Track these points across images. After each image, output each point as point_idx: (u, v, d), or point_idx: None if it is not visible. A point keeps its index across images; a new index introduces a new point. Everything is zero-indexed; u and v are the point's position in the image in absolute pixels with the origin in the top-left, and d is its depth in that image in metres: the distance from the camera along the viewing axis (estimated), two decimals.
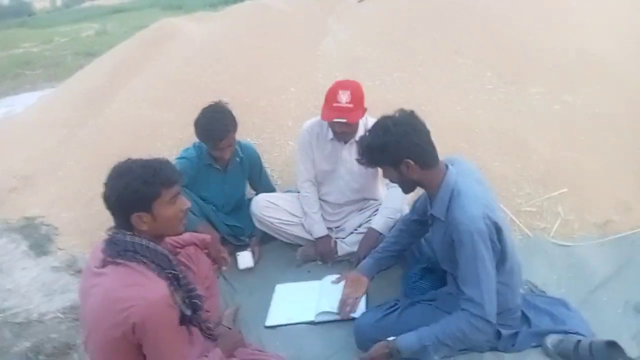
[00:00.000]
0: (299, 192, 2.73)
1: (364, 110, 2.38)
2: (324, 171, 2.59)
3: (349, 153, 2.49)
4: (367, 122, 2.45)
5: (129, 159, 1.51)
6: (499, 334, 1.85)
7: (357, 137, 2.40)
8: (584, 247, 2.46)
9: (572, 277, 2.29)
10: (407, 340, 1.75)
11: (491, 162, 2.97)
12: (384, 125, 1.72)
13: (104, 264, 1.44)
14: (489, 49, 3.89)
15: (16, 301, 2.56)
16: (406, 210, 2.49)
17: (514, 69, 3.70)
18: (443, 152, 2.88)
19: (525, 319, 1.94)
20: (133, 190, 1.42)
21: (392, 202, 2.48)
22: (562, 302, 2.07)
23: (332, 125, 2.40)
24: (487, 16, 4.20)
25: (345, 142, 2.50)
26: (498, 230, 1.68)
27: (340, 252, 2.61)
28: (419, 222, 2.06)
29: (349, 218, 2.68)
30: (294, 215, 2.66)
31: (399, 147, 1.68)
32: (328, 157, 2.55)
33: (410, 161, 1.70)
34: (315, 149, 2.55)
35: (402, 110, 1.75)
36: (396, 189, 2.39)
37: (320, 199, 2.69)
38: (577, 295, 2.16)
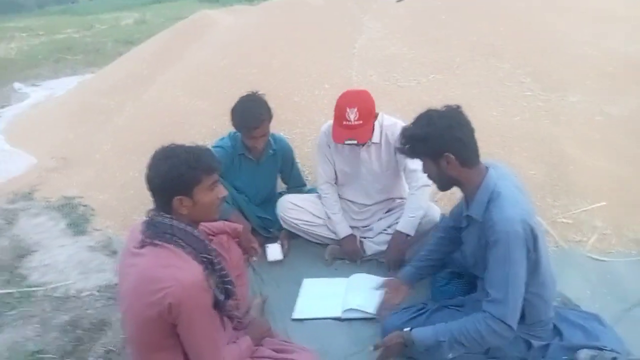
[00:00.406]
0: None
1: (375, 118, 2.38)
2: (346, 173, 2.60)
3: (368, 154, 2.50)
4: (382, 121, 2.46)
5: (172, 143, 1.54)
6: (529, 345, 1.82)
7: (374, 139, 2.41)
8: (621, 263, 2.40)
9: (608, 293, 2.23)
10: (423, 333, 1.74)
11: (527, 170, 2.92)
12: (428, 116, 1.70)
13: (143, 245, 1.48)
14: (529, 54, 3.81)
15: (54, 276, 2.65)
16: (433, 209, 2.47)
17: (555, 75, 3.62)
18: None
19: (557, 332, 1.90)
20: (177, 174, 1.46)
21: (415, 202, 2.46)
22: (596, 317, 2.01)
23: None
24: (528, 20, 4.12)
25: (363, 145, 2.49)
26: (535, 238, 1.64)
27: (368, 252, 2.61)
28: (457, 229, 2.04)
29: (377, 218, 2.68)
30: (317, 217, 2.68)
31: (441, 139, 1.65)
32: (347, 159, 2.55)
33: (451, 155, 1.66)
34: (334, 152, 2.56)
35: (448, 105, 1.72)
36: (420, 191, 2.42)
37: (345, 199, 2.70)
38: (612, 311, 2.10)
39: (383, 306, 2.12)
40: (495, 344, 1.69)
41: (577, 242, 2.55)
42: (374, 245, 2.60)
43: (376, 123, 2.42)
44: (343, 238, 2.59)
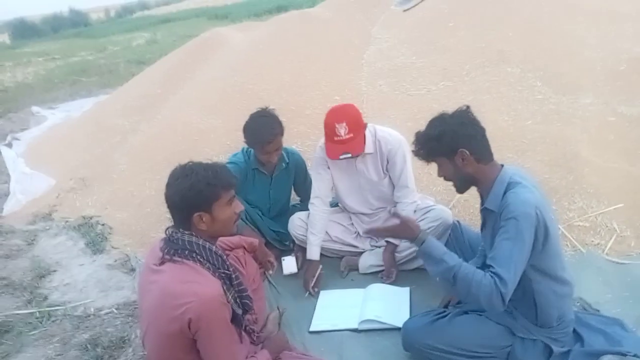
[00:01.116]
0: (337, 205, 2.77)
1: (364, 128, 2.40)
2: (346, 185, 2.62)
3: (364, 164, 2.53)
4: (375, 132, 2.48)
5: (190, 161, 1.58)
6: (550, 351, 1.80)
7: (368, 150, 2.44)
8: None
9: (629, 296, 2.19)
10: (435, 244, 1.73)
11: (541, 173, 2.89)
12: (440, 116, 1.77)
13: (162, 262, 1.51)
14: (539, 58, 3.80)
15: (74, 295, 2.70)
16: (445, 212, 2.47)
17: (566, 78, 3.59)
18: None
19: (578, 337, 1.87)
20: (197, 191, 1.50)
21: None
22: (617, 321, 1.98)
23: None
24: (536, 24, 4.10)
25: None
26: (546, 229, 1.64)
27: (361, 270, 2.63)
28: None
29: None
30: (326, 233, 2.68)
31: (455, 135, 1.71)
32: (345, 172, 2.57)
33: (466, 151, 1.71)
34: (331, 166, 2.58)
35: (459, 107, 1.78)
36: (408, 207, 2.48)
37: (352, 213, 2.72)
38: (634, 315, 2.06)
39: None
40: (480, 305, 1.67)
41: (595, 245, 2.51)
42: (367, 261, 2.62)
43: (368, 134, 2.45)
44: (309, 260, 2.57)
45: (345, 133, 2.31)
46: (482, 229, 1.92)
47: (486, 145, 1.76)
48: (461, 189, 1.86)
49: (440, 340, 1.84)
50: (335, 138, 2.34)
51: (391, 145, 2.48)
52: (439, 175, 1.84)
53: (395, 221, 1.81)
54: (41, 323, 2.47)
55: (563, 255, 1.83)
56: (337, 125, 2.31)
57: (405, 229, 1.78)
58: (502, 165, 1.79)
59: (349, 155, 2.35)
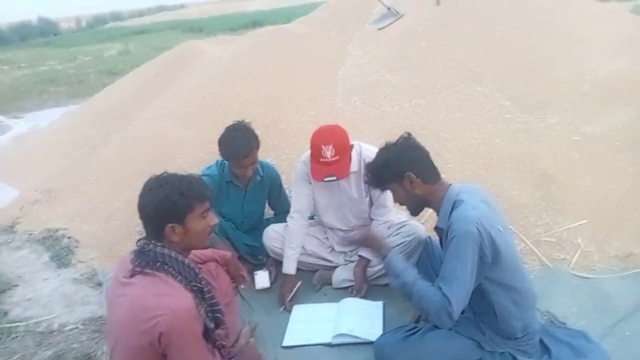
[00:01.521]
0: (313, 218, 2.76)
1: (351, 150, 2.42)
2: (326, 201, 2.62)
3: (348, 182, 2.53)
4: (360, 150, 2.49)
5: (165, 172, 1.56)
6: None
7: (352, 168, 2.44)
8: (605, 280, 2.43)
9: (593, 309, 2.26)
10: (396, 259, 1.94)
11: (509, 190, 2.98)
12: (385, 146, 1.93)
13: (133, 274, 1.47)
14: (508, 78, 3.94)
15: (37, 311, 2.59)
16: (419, 227, 2.50)
17: (533, 98, 3.73)
18: (460, 178, 2.93)
19: (546, 349, 1.92)
20: (171, 202, 1.48)
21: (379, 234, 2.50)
22: (582, 334, 2.04)
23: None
24: (506, 45, 4.26)
25: None
26: (493, 242, 1.70)
27: (335, 284, 2.63)
28: None
29: None
30: (301, 246, 2.66)
31: (399, 160, 1.84)
32: (327, 188, 2.56)
33: (412, 174, 1.83)
34: (313, 181, 2.55)
35: (401, 135, 1.94)
36: (383, 226, 2.56)
37: (328, 227, 2.72)
38: (599, 328, 2.12)
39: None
40: (431, 319, 1.84)
41: (562, 260, 2.58)
42: (340, 276, 2.62)
43: (353, 152, 2.45)
44: (285, 274, 2.56)
45: (331, 155, 2.30)
46: (441, 247, 1.98)
47: (431, 167, 1.89)
48: (414, 211, 1.98)
49: (412, 356, 1.87)
50: (321, 160, 2.32)
51: None
52: (395, 201, 1.99)
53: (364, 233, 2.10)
54: (1, 340, 2.35)
55: (521, 266, 1.90)
56: (323, 147, 2.30)
57: (372, 240, 2.06)
58: (450, 185, 1.88)
59: (334, 177, 2.35)
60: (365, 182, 1.97)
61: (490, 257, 1.71)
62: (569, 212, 2.84)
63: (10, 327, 2.46)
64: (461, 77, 4.00)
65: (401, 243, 2.44)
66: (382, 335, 2.05)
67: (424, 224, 2.79)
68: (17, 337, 2.39)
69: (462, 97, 3.80)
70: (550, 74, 3.94)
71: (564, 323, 2.17)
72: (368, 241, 2.11)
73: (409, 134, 1.94)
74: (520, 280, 1.83)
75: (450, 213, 1.78)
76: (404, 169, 1.83)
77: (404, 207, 2.02)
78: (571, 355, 1.90)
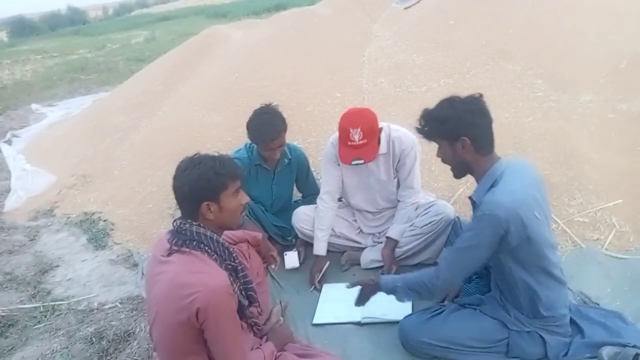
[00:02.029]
0: (341, 200, 2.77)
1: (379, 132, 2.39)
2: (354, 184, 2.62)
3: (376, 164, 2.52)
4: (390, 132, 2.47)
5: (197, 153, 1.61)
6: (542, 341, 1.82)
7: (381, 151, 2.43)
8: None
9: (628, 290, 2.21)
10: (386, 278, 1.97)
11: (541, 170, 2.90)
12: (451, 99, 1.75)
13: (170, 253, 1.53)
14: (540, 55, 3.81)
15: (78, 290, 2.72)
16: (447, 207, 2.48)
17: (566, 76, 3.61)
18: None
19: (579, 329, 1.90)
20: (206, 180, 1.52)
21: (405, 216, 2.56)
22: (617, 314, 2.00)
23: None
24: (537, 21, 4.12)
25: None
26: (523, 228, 1.64)
27: (363, 265, 2.65)
28: None
29: (390, 223, 2.69)
30: (331, 228, 2.68)
31: (460, 122, 1.70)
32: (356, 170, 2.56)
33: (467, 140, 1.70)
34: (341, 164, 2.55)
35: (471, 94, 1.77)
36: (410, 207, 2.55)
37: (356, 210, 2.73)
38: (633, 308, 2.08)
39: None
40: (441, 293, 1.94)
41: (595, 241, 2.53)
42: (369, 257, 2.65)
43: (382, 134, 2.43)
44: (316, 255, 2.59)
45: (359, 139, 2.29)
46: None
47: (489, 137, 1.75)
48: (457, 174, 1.88)
49: (435, 337, 1.88)
50: (349, 143, 2.31)
51: (405, 146, 2.46)
52: (437, 155, 1.86)
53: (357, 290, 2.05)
54: (45, 317, 2.49)
55: (553, 251, 1.81)
56: (351, 130, 2.28)
57: (366, 286, 2.02)
58: (500, 158, 1.78)
59: (361, 161, 2.34)
60: (416, 128, 1.84)
61: (517, 242, 1.67)
62: (602, 192, 2.76)
63: (54, 305, 2.59)
64: (491, 55, 3.89)
65: (429, 223, 2.44)
66: (407, 316, 2.07)
67: (453, 204, 2.77)
68: (60, 314, 2.52)
69: (491, 76, 3.71)
70: (583, 51, 3.80)
71: (597, 304, 2.14)
72: (368, 287, 2.04)
73: (481, 95, 1.76)
74: (549, 263, 1.77)
75: (488, 190, 1.71)
76: (461, 131, 1.70)
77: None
78: (605, 335, 1.87)
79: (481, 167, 1.77)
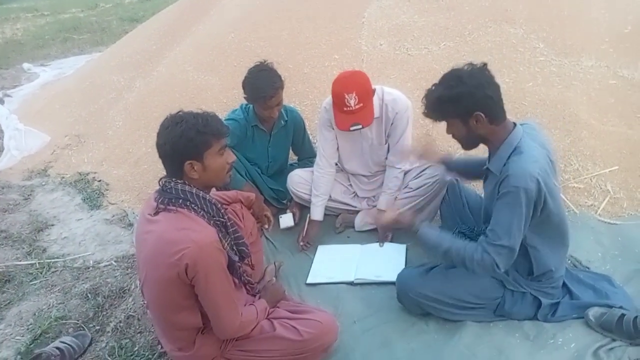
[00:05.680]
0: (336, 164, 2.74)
1: (373, 94, 2.33)
2: (348, 148, 2.60)
3: (370, 129, 2.47)
4: (383, 95, 2.42)
5: (180, 111, 1.56)
6: (539, 304, 1.85)
7: (374, 114, 2.37)
8: (632, 226, 2.39)
9: (618, 254, 2.24)
10: (429, 232, 1.84)
11: None
12: (457, 76, 1.65)
13: (157, 211, 1.52)
14: (542, 19, 3.72)
15: (73, 248, 2.73)
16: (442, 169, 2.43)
17: (569, 40, 3.54)
18: None
19: (568, 290, 1.93)
20: (188, 139, 1.48)
21: (395, 183, 2.53)
22: (606, 277, 2.04)
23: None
24: None
25: None
26: (545, 196, 1.64)
27: (357, 227, 2.66)
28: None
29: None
30: (329, 193, 2.67)
31: (472, 98, 1.62)
32: (350, 135, 2.51)
33: (481, 114, 1.64)
34: (336, 129, 2.50)
35: (473, 64, 1.68)
36: (400, 175, 2.50)
37: (351, 174, 2.72)
38: (623, 272, 2.12)
39: (420, 158, 2.23)
40: (477, 273, 1.76)
41: (589, 207, 2.54)
42: (361, 220, 2.65)
43: (375, 98, 2.37)
44: (312, 220, 2.59)
45: (355, 103, 2.23)
46: (483, 184, 1.93)
47: (501, 106, 1.69)
48: (469, 148, 1.82)
49: (434, 289, 1.89)
50: (345, 109, 2.26)
51: (398, 109, 2.41)
52: (448, 132, 1.78)
53: (389, 217, 1.94)
54: (41, 274, 2.51)
55: (564, 218, 1.80)
56: (346, 96, 2.22)
57: (401, 221, 1.91)
58: (515, 125, 1.72)
59: (360, 126, 2.30)
60: (423, 113, 1.77)
61: (540, 211, 1.66)
62: (599, 159, 2.76)
63: (50, 262, 2.61)
64: (493, 18, 3.80)
65: (424, 185, 2.44)
66: (404, 269, 2.08)
67: None
68: (56, 271, 2.54)
69: (493, 39, 3.62)
70: (588, 15, 3.71)
71: (587, 267, 2.17)
72: (398, 224, 1.94)
73: (485, 65, 1.67)
74: (560, 233, 1.79)
75: (507, 160, 1.66)
76: (475, 107, 1.63)
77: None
78: (593, 297, 1.91)
79: (497, 137, 1.71)
